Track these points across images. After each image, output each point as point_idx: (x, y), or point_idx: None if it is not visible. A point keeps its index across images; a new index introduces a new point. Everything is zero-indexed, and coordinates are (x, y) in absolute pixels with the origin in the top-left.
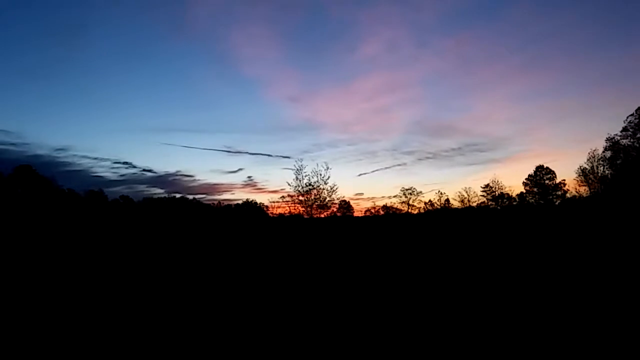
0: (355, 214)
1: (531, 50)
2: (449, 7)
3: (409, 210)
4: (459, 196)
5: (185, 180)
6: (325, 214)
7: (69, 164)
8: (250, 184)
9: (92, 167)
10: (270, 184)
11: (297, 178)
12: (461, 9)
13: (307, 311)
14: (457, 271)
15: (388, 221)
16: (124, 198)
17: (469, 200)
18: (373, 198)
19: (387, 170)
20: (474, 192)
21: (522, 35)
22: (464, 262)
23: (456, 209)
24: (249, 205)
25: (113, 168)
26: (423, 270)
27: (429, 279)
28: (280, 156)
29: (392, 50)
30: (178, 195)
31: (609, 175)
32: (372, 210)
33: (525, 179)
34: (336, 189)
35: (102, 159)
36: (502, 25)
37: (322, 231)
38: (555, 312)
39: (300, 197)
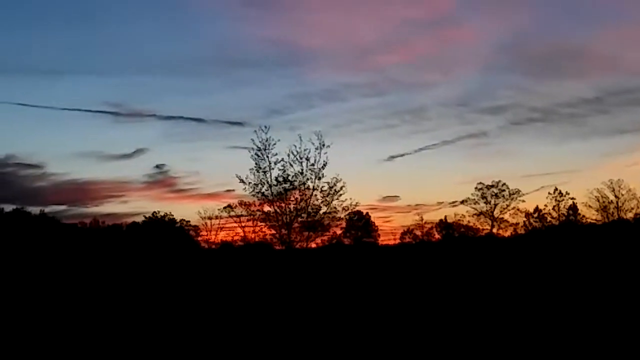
0: (383, 240)
1: None
2: None
3: (494, 231)
4: (597, 198)
5: (25, 176)
6: (319, 241)
7: None
8: (161, 180)
9: None
10: (204, 180)
11: (259, 167)
12: None
13: None
14: None
15: (451, 257)
16: None
17: (617, 208)
18: (418, 206)
19: (448, 147)
20: (630, 191)
21: None
22: None
23: (593, 225)
24: (159, 224)
25: None
26: None
27: None
28: (224, 122)
29: None
30: (9, 208)
31: None
32: (419, 233)
33: None
34: (342, 188)
35: None
36: None
37: (311, 284)
38: None
39: (267, 207)
